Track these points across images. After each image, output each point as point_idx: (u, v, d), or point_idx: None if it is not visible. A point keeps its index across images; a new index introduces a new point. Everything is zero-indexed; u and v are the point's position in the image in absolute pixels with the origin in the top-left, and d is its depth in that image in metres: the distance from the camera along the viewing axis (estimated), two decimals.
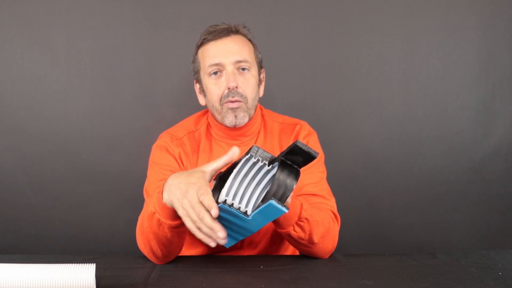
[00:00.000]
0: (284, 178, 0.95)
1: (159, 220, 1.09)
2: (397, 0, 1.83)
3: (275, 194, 0.94)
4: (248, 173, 1.01)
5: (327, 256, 1.25)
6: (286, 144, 1.38)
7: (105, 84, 1.78)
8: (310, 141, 1.38)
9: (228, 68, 1.30)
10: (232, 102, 1.30)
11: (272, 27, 1.80)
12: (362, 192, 1.87)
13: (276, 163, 0.99)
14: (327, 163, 1.41)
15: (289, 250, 1.43)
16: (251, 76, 1.33)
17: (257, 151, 1.01)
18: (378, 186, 1.87)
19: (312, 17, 1.81)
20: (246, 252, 1.37)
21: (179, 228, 1.10)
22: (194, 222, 0.99)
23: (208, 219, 0.97)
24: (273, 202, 0.91)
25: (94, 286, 0.90)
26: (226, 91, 1.30)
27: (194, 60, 1.39)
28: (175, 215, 1.06)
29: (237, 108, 1.30)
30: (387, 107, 1.85)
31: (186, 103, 1.77)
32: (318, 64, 1.83)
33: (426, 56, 1.85)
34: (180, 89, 1.80)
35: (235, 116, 1.31)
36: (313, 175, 1.31)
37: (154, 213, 1.09)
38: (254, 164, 1.01)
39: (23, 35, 1.75)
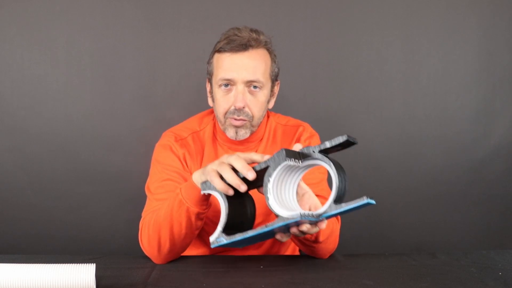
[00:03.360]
0: (341, 174, 0.94)
1: (181, 201, 1.10)
2: (397, 0, 1.83)
3: (341, 187, 0.94)
4: (284, 178, 1.01)
5: (327, 256, 1.25)
6: (287, 147, 1.39)
7: (105, 84, 1.78)
8: (312, 142, 1.38)
9: (239, 87, 1.28)
10: (236, 120, 1.29)
11: (272, 27, 1.79)
12: (362, 192, 1.86)
13: (311, 158, 0.97)
14: None
15: (289, 250, 1.43)
16: (262, 94, 1.31)
17: (288, 153, 0.97)
18: (378, 186, 1.87)
19: (312, 17, 1.81)
20: (249, 252, 1.37)
21: (196, 217, 1.11)
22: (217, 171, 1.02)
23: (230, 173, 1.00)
24: (368, 199, 0.89)
25: (94, 286, 0.90)
26: (233, 107, 1.28)
27: (209, 62, 1.35)
28: (198, 201, 1.10)
29: (240, 126, 1.30)
30: (387, 107, 1.85)
31: (186, 103, 1.77)
32: (318, 64, 1.83)
33: (426, 56, 1.85)
34: (180, 89, 1.79)
35: (236, 132, 1.31)
36: (314, 176, 1.31)
37: (178, 193, 1.12)
38: (289, 166, 0.99)
39: (23, 35, 1.75)
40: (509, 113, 1.88)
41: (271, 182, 0.98)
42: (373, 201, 0.87)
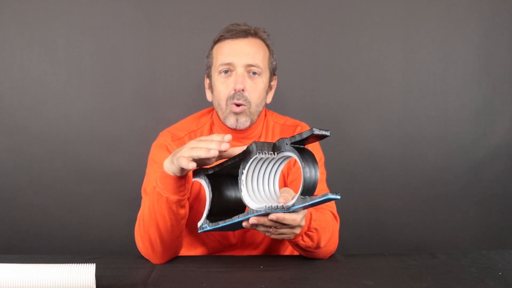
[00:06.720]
0: (310, 166, 0.94)
1: (159, 193, 1.10)
2: (397, 0, 1.83)
3: (309, 179, 0.93)
4: (260, 170, 1.01)
5: (327, 257, 1.25)
6: None
7: (105, 84, 1.78)
8: None
9: (239, 70, 1.30)
10: (236, 105, 1.30)
11: (272, 27, 1.78)
12: (362, 192, 1.87)
13: (284, 150, 0.97)
14: (327, 163, 1.41)
15: (289, 250, 1.43)
16: (261, 81, 1.33)
17: (260, 146, 0.99)
18: (378, 186, 1.87)
19: (312, 17, 1.81)
20: (248, 253, 1.37)
21: (177, 205, 1.10)
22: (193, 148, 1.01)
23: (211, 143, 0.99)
24: (330, 195, 0.90)
25: (94, 286, 0.90)
26: (233, 92, 1.30)
27: (208, 55, 1.38)
28: (174, 189, 1.08)
29: (240, 113, 1.31)
30: (387, 107, 1.85)
31: (186, 103, 1.77)
32: (318, 64, 1.83)
33: (426, 56, 1.85)
34: (180, 89, 1.80)
35: (237, 120, 1.31)
36: None
37: (155, 187, 1.11)
38: (261, 159, 1.00)
39: (23, 35, 1.75)
40: (509, 113, 1.88)
41: (244, 174, 1.00)
42: (338, 196, 0.90)
